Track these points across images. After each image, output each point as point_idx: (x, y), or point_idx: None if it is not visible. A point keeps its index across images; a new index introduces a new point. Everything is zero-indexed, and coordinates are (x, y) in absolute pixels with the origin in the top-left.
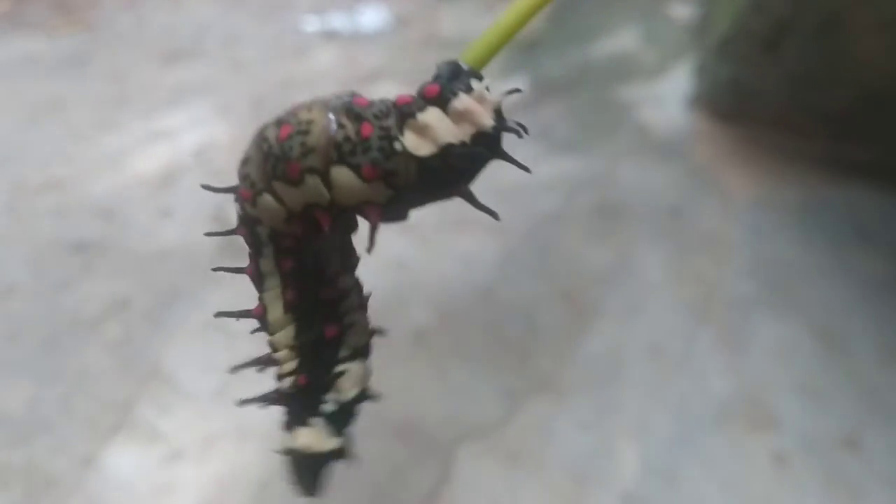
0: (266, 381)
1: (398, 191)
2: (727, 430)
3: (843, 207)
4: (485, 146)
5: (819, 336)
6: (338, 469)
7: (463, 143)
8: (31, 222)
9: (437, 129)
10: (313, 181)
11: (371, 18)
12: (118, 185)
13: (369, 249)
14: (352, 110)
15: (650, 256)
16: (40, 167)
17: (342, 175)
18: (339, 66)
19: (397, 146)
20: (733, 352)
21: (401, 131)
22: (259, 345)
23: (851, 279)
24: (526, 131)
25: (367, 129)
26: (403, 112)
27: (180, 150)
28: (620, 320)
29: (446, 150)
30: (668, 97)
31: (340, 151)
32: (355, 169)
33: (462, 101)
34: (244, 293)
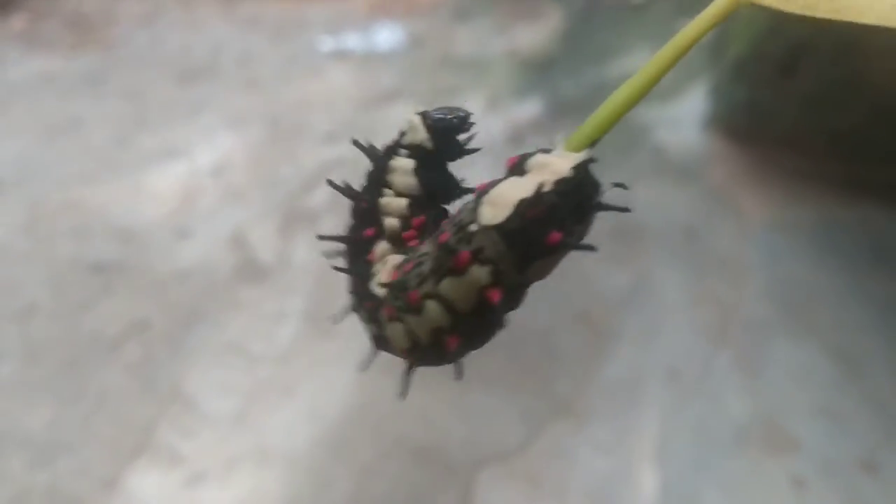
0: (285, 408)
1: (496, 265)
2: (746, 453)
3: (858, 228)
4: (568, 191)
5: (836, 358)
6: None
7: (538, 193)
8: (50, 242)
9: (508, 193)
10: (433, 305)
11: (386, 38)
12: (136, 205)
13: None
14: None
15: (667, 278)
16: (59, 187)
17: (447, 286)
18: (354, 85)
19: (472, 227)
20: (751, 374)
21: (474, 213)
22: (278, 367)
23: (868, 300)
24: (625, 187)
25: (443, 237)
26: (479, 195)
27: (197, 170)
28: (638, 343)
29: (520, 208)
30: (684, 118)
31: (434, 272)
32: (448, 272)
33: (539, 157)
34: (263, 316)
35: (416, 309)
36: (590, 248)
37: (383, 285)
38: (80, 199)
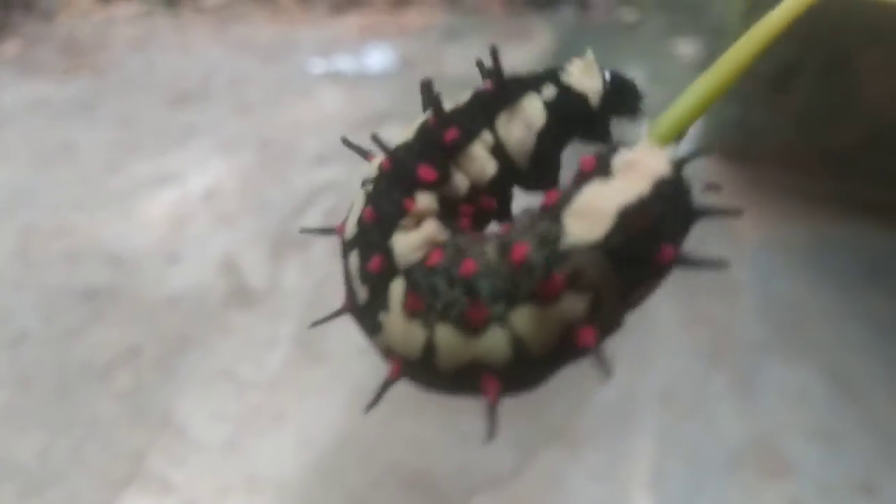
0: (276, 435)
1: (597, 293)
2: (742, 477)
3: (852, 247)
4: (672, 195)
5: (832, 379)
6: None
7: (641, 200)
8: (42, 269)
9: (601, 201)
10: (496, 334)
11: (377, 59)
12: (127, 230)
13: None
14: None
15: (660, 300)
16: (51, 213)
17: (523, 317)
18: (346, 107)
19: (563, 245)
20: (746, 397)
21: (558, 229)
22: (269, 393)
23: (862, 320)
24: (719, 188)
25: (520, 252)
26: (555, 208)
27: (188, 195)
28: (632, 367)
29: (625, 217)
30: None
31: (507, 294)
32: (529, 299)
33: (625, 155)
34: (254, 341)
35: (473, 329)
36: (713, 263)
37: (421, 261)
38: (71, 225)
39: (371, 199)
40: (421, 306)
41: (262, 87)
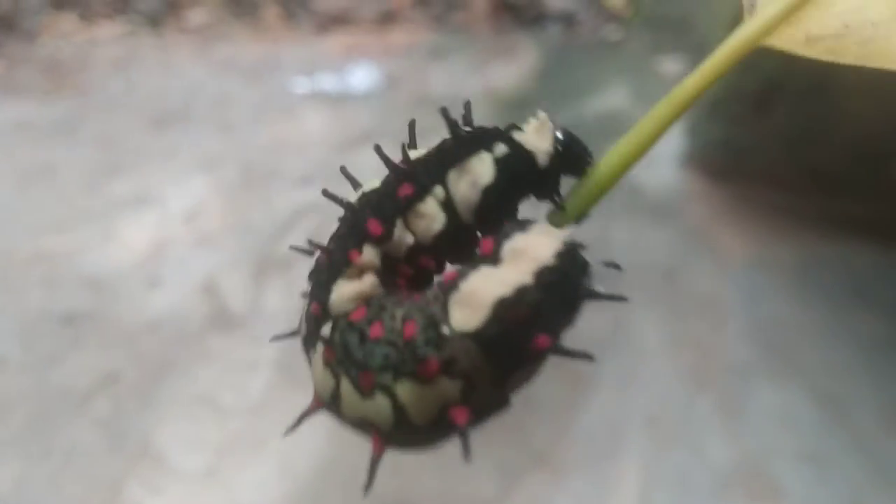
0: (257, 463)
1: (469, 379)
2: (729, 501)
3: (839, 265)
4: (554, 283)
5: (820, 400)
6: None
7: (518, 291)
8: (20, 294)
9: (482, 291)
10: (382, 400)
11: (361, 78)
12: (108, 253)
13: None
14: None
15: (645, 321)
16: (30, 237)
17: (405, 390)
18: (329, 127)
19: (444, 329)
20: (732, 419)
21: (444, 314)
22: (250, 419)
23: (851, 340)
24: (618, 267)
25: (409, 330)
26: (447, 288)
27: (169, 216)
28: (616, 390)
29: (499, 311)
30: (660, 157)
31: (394, 367)
32: (411, 375)
33: (517, 240)
34: (235, 366)
35: (362, 391)
36: (584, 355)
37: (347, 314)
38: (50, 249)
39: (331, 241)
40: (332, 358)
41: (245, 107)
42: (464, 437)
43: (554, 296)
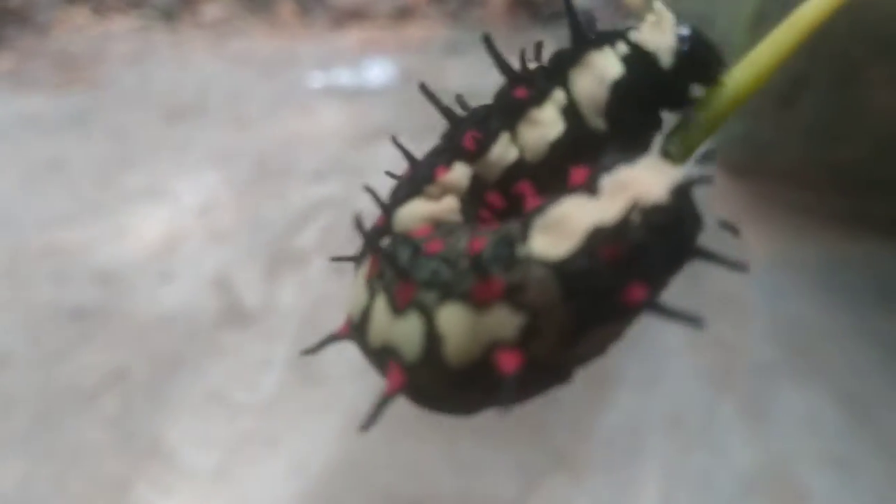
0: (268, 462)
1: (534, 318)
2: None
3: (863, 265)
4: (663, 226)
5: (845, 402)
6: None
7: (621, 227)
8: (29, 288)
9: (575, 217)
10: (415, 323)
11: (377, 73)
12: (119, 248)
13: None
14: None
15: (667, 322)
16: (40, 231)
17: (449, 314)
18: (345, 122)
19: (518, 251)
20: (756, 421)
21: (524, 235)
22: (262, 417)
23: (876, 340)
24: (735, 232)
25: (476, 245)
26: (530, 217)
27: (182, 212)
28: (638, 390)
29: (593, 241)
30: None
31: (444, 285)
32: (463, 297)
33: (623, 173)
34: (247, 363)
35: (396, 307)
36: (689, 318)
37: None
38: (61, 243)
39: (426, 156)
40: (376, 272)
41: (259, 102)
42: (507, 389)
43: (662, 242)
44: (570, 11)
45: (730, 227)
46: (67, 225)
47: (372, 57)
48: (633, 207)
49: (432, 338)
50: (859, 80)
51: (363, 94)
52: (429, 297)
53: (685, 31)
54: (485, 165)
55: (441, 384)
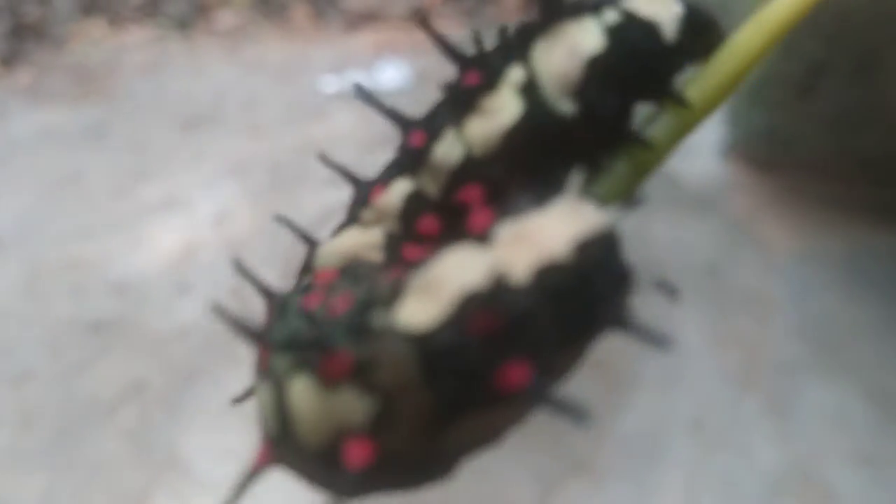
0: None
1: (388, 403)
2: None
3: (891, 257)
4: (561, 291)
5: (874, 399)
6: None
7: (501, 291)
8: (48, 302)
9: (449, 276)
10: (271, 392)
11: (391, 76)
12: (136, 259)
13: None
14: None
15: (688, 319)
16: (58, 244)
17: (298, 387)
18: (359, 127)
19: (378, 319)
20: (782, 421)
21: (394, 295)
22: None
23: None
24: (673, 293)
25: (338, 305)
26: (412, 267)
27: (199, 222)
28: (658, 392)
29: (466, 308)
30: (701, 146)
31: (298, 351)
32: (312, 372)
33: (524, 218)
34: None
35: (259, 369)
36: (579, 414)
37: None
38: (79, 256)
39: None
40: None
41: (274, 108)
42: (353, 484)
43: (556, 309)
44: None
45: (667, 290)
46: (85, 238)
47: (386, 59)
48: (521, 266)
49: (285, 412)
50: (879, 67)
51: (378, 96)
52: (282, 363)
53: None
54: (429, 174)
55: (302, 464)
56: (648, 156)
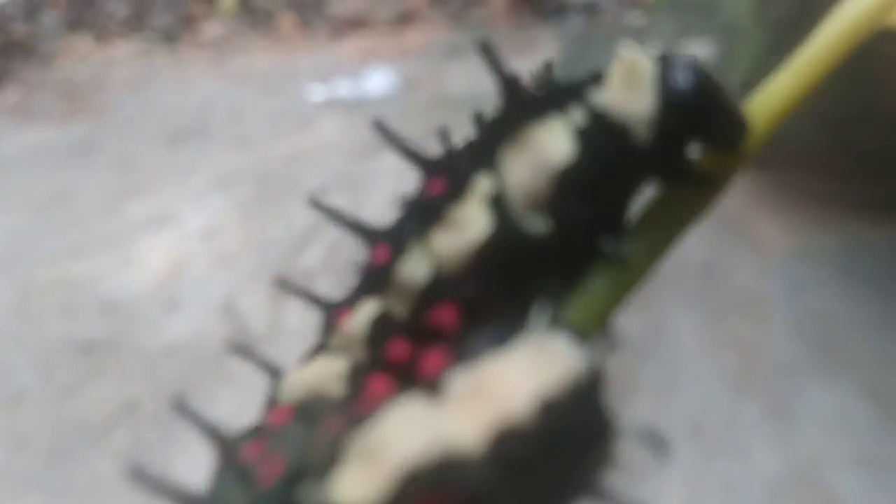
0: None
1: None
2: None
3: (889, 253)
4: (519, 461)
5: (875, 399)
6: None
7: (449, 465)
8: (39, 323)
9: (391, 444)
10: None
11: (377, 83)
12: (126, 278)
13: None
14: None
15: (683, 321)
16: (48, 264)
17: None
18: (346, 135)
19: (306, 497)
20: (781, 424)
21: (331, 460)
22: None
23: None
24: (664, 450)
25: (267, 473)
26: (354, 422)
27: (187, 237)
28: (656, 396)
29: (407, 488)
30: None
31: None
32: None
33: (483, 364)
34: (255, 389)
35: None
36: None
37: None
38: (69, 276)
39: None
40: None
41: (260, 119)
42: None
43: (515, 484)
44: (494, 63)
45: (655, 443)
46: (75, 257)
47: (373, 66)
48: (478, 430)
49: None
50: (874, 58)
51: (364, 104)
52: None
53: (680, 74)
54: (396, 294)
55: None
56: (628, 274)
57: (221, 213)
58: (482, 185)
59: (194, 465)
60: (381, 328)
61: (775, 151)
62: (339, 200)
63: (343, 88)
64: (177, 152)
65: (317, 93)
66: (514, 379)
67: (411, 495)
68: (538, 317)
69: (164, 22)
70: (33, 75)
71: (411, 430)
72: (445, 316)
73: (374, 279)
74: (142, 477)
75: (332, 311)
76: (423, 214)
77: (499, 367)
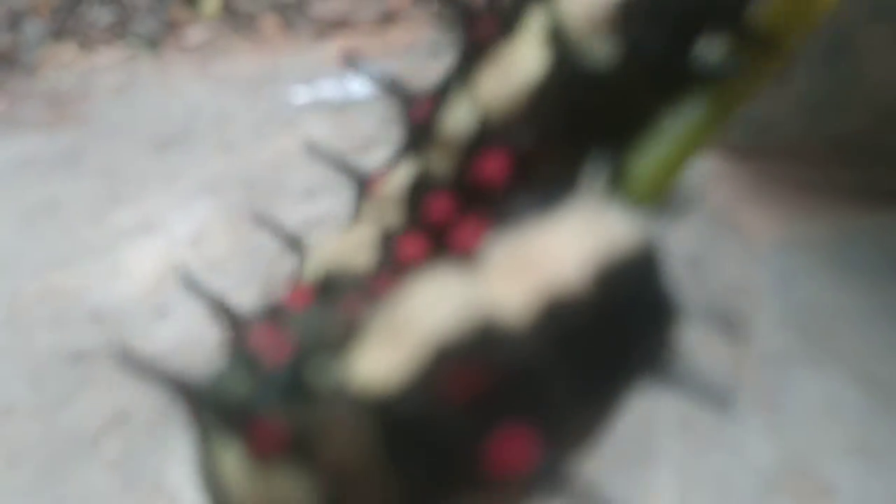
0: None
1: (338, 486)
2: None
3: (877, 240)
4: (569, 334)
5: (868, 388)
6: None
7: (489, 339)
8: (28, 334)
9: (421, 319)
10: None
11: (362, 83)
12: (114, 287)
13: None
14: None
15: None
16: (36, 275)
17: (230, 460)
18: (332, 137)
19: (320, 374)
20: (773, 414)
21: (349, 337)
22: None
23: (895, 318)
24: (736, 328)
25: (282, 352)
26: (376, 305)
27: (175, 244)
28: (646, 391)
29: (440, 365)
30: None
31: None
32: (242, 441)
33: (526, 232)
34: None
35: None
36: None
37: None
38: (57, 286)
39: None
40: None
41: (245, 123)
42: None
43: (567, 359)
44: None
45: (728, 325)
46: (63, 267)
47: (356, 66)
48: (522, 302)
49: (218, 486)
50: (852, 47)
51: (349, 106)
52: (213, 429)
53: None
54: (438, 150)
55: None
56: (722, 100)
57: (208, 219)
58: (536, 16)
59: (186, 473)
60: (421, 185)
61: (760, 142)
62: (326, 203)
63: (327, 90)
64: (163, 158)
65: (301, 95)
66: (562, 245)
67: (444, 373)
68: (595, 176)
69: (148, 28)
70: (18, 85)
71: (444, 300)
72: (494, 167)
73: (415, 138)
74: (131, 361)
75: (366, 181)
76: (467, 59)
77: (546, 234)
